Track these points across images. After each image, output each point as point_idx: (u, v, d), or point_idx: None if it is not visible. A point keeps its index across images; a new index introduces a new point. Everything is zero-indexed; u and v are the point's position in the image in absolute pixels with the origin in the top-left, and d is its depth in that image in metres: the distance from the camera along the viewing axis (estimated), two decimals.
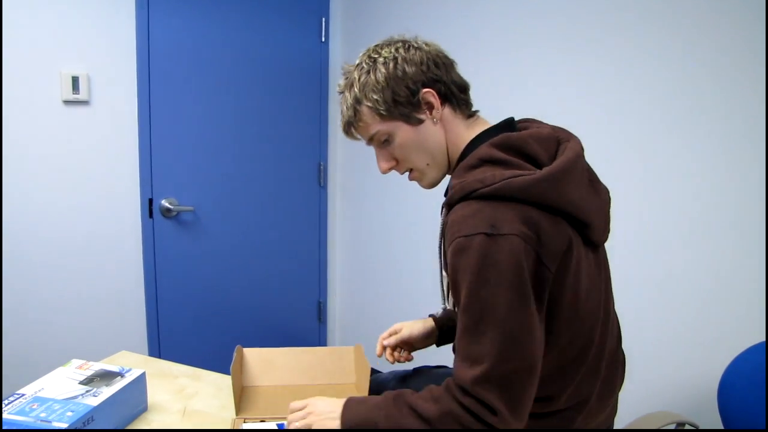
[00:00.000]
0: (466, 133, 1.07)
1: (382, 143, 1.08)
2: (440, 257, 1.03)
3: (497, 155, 0.97)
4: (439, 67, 1.04)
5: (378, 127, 1.05)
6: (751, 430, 1.33)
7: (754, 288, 1.54)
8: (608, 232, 1.10)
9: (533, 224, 0.89)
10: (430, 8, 2.36)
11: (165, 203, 2.36)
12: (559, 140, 1.05)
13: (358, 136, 1.11)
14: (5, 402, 1.09)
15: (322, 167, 2.86)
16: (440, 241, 1.01)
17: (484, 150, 0.99)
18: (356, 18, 2.74)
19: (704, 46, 1.59)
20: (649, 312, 1.75)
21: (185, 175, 2.41)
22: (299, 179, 2.80)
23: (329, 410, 1.04)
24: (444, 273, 1.02)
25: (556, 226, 0.92)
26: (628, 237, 1.74)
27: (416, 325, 1.36)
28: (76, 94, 2.05)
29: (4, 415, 1.04)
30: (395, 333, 1.35)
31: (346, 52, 2.80)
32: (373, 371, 1.40)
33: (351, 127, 1.09)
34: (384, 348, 1.35)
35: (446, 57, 1.08)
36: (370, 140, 1.09)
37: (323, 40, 2.75)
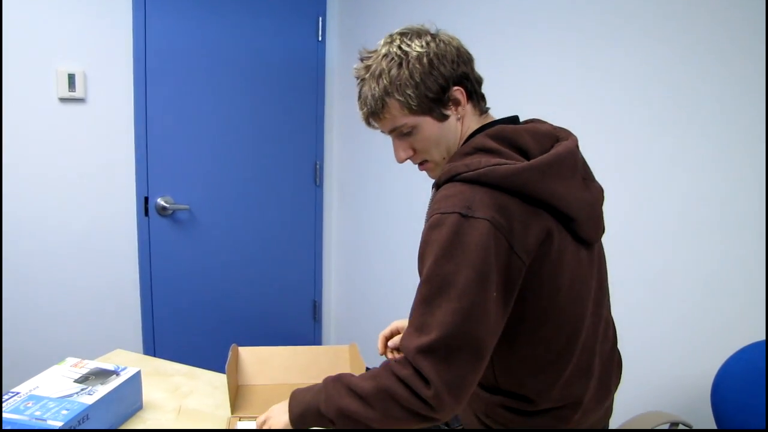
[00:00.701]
0: (475, 126, 1.07)
1: (404, 134, 1.07)
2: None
3: (489, 144, 0.99)
4: (465, 63, 1.05)
5: (404, 120, 1.04)
6: (745, 430, 1.33)
7: (748, 288, 1.55)
8: (601, 231, 1.10)
9: (507, 213, 0.91)
10: (426, 7, 2.36)
11: (161, 201, 2.35)
12: (558, 138, 1.06)
13: (375, 126, 1.09)
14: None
15: (318, 166, 2.86)
16: (426, 220, 1.02)
17: (479, 139, 1.01)
18: (353, 17, 2.74)
19: (703, 45, 1.60)
20: (642, 311, 1.76)
21: (181, 173, 2.40)
22: (295, 178, 2.80)
23: (282, 408, 1.08)
24: None
25: (534, 217, 0.93)
26: (623, 236, 1.75)
27: None
28: (72, 91, 2.05)
29: None
30: (397, 332, 1.33)
31: (342, 51, 2.80)
32: (368, 370, 1.41)
33: (374, 117, 1.07)
34: (386, 348, 1.33)
35: (467, 52, 1.08)
36: (392, 131, 1.08)
37: (320, 39, 2.75)
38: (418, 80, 1.00)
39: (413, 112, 1.03)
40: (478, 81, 1.08)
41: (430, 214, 0.95)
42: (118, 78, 2.17)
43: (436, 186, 1.02)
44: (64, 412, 1.06)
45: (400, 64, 1.01)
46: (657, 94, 1.70)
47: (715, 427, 1.44)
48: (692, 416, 1.57)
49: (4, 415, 1.04)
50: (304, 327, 3.00)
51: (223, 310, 2.64)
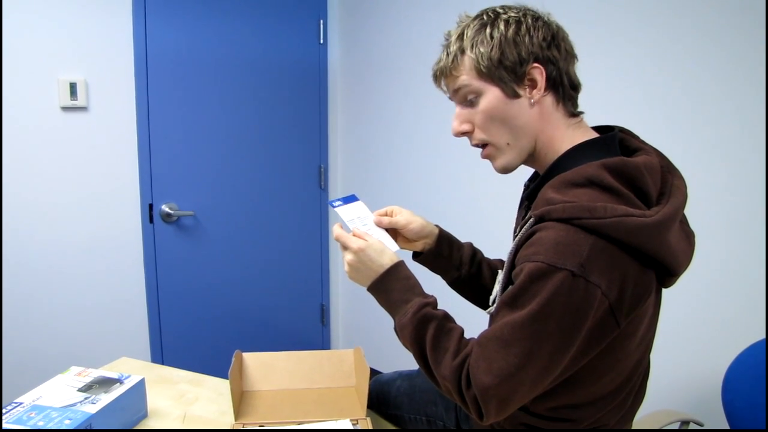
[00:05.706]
0: (567, 133, 0.97)
1: (466, 101, 0.99)
2: (510, 261, 0.93)
3: (609, 182, 0.87)
4: (560, 51, 0.95)
5: (470, 81, 0.96)
6: (756, 430, 1.31)
7: (758, 284, 1.53)
8: None
9: (623, 278, 0.83)
10: (427, 9, 2.35)
11: (165, 208, 2.35)
12: (663, 173, 0.96)
13: (444, 88, 1.02)
14: (3, 411, 1.08)
15: (322, 170, 2.86)
16: (516, 248, 0.91)
17: (594, 170, 0.88)
18: (354, 19, 2.73)
19: (704, 46, 1.58)
20: None
21: (185, 179, 2.41)
22: (300, 182, 2.80)
23: (370, 273, 1.17)
24: (501, 276, 0.96)
25: (644, 277, 0.86)
26: None
27: (417, 220, 1.25)
28: (74, 100, 2.05)
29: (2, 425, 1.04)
30: (390, 215, 1.24)
31: (344, 54, 2.80)
32: (374, 372, 1.40)
33: (443, 74, 1.00)
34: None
35: (572, 48, 0.98)
36: (455, 93, 1.00)
37: (321, 41, 2.75)
38: (496, 42, 0.93)
39: (481, 75, 0.95)
40: (571, 80, 0.97)
41: (534, 257, 0.84)
42: (120, 85, 2.17)
43: (540, 217, 0.88)
44: (67, 421, 1.06)
45: (484, 24, 0.95)
46: (659, 92, 1.68)
47: (726, 424, 1.42)
48: (703, 414, 1.55)
49: (7, 425, 1.04)
50: (311, 331, 3.00)
51: (231, 315, 2.64)
